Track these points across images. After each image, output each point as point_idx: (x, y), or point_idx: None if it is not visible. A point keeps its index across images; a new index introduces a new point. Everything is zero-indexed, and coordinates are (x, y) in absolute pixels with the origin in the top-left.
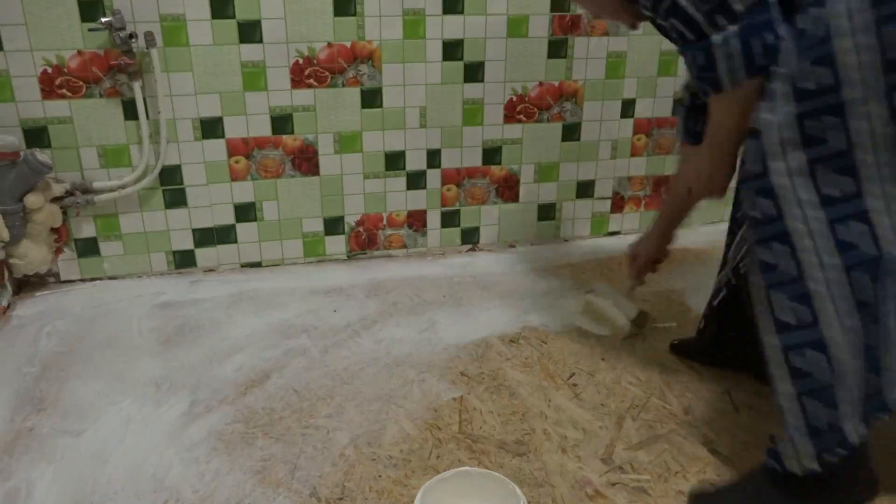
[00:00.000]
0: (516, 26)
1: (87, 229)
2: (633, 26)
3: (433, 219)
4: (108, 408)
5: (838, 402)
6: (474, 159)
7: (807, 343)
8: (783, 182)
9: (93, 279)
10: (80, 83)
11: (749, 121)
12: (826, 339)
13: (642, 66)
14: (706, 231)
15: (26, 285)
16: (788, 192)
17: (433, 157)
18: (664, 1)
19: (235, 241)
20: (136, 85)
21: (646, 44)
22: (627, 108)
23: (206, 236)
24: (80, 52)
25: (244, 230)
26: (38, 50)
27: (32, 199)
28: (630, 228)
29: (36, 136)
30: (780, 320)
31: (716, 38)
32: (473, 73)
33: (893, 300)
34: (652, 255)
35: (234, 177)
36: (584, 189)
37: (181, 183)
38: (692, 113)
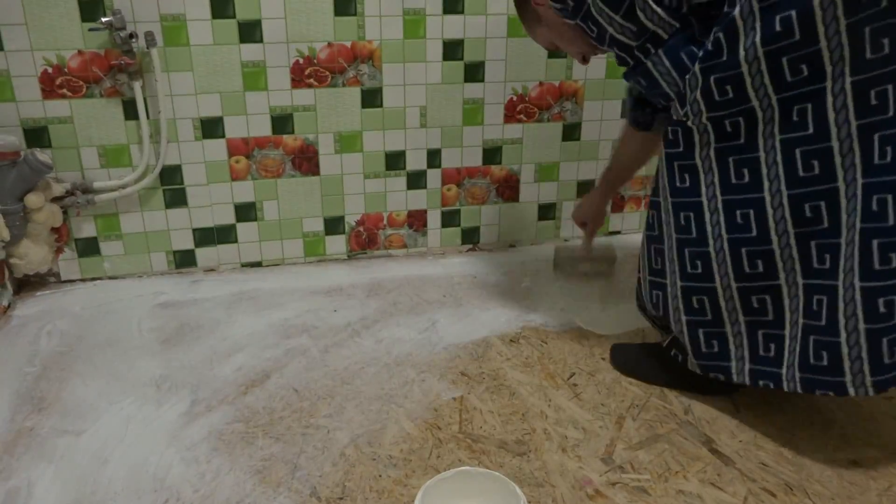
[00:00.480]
0: (517, 26)
1: (87, 229)
2: (584, 60)
3: (433, 218)
4: (108, 407)
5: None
6: (474, 159)
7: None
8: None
9: (93, 279)
10: (81, 83)
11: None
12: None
13: None
14: None
15: (27, 285)
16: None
17: (433, 157)
18: (606, 34)
19: (236, 241)
20: (137, 85)
21: None
22: None
23: (207, 236)
24: (80, 52)
25: (244, 230)
26: (39, 50)
27: (33, 199)
28: (630, 228)
29: (36, 135)
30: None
31: (648, 62)
32: (474, 72)
33: None
34: (599, 221)
35: (235, 176)
36: (585, 189)
37: (181, 183)
38: (639, 104)
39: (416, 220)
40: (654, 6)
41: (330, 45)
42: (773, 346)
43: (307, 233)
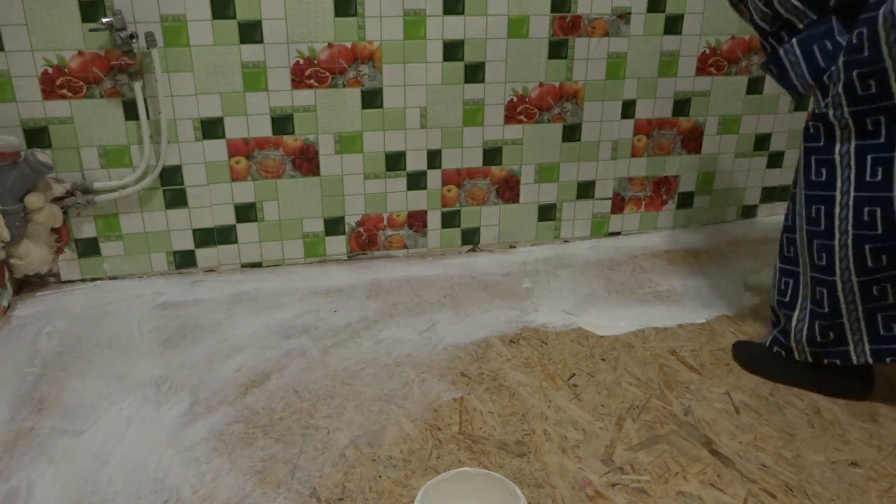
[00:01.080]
0: (517, 27)
1: (87, 229)
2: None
3: (433, 219)
4: (108, 408)
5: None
6: (475, 160)
7: None
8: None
9: (93, 279)
10: (81, 83)
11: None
12: None
13: (642, 67)
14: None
15: (27, 285)
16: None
17: (433, 158)
18: (754, 16)
19: (236, 242)
20: (137, 85)
21: (646, 45)
22: (628, 108)
23: (207, 236)
24: (80, 53)
25: (245, 230)
26: (39, 50)
27: (33, 200)
28: (630, 229)
29: (37, 136)
30: None
31: (780, 49)
32: (474, 73)
33: None
34: None
35: (235, 177)
36: (585, 190)
37: (182, 183)
38: None
39: (417, 221)
40: None
41: (330, 45)
42: (894, 325)
43: (307, 233)
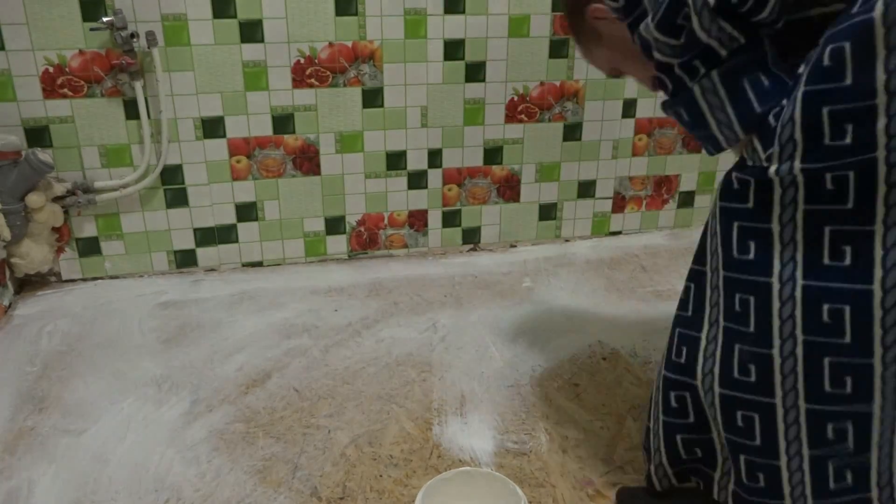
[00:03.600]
0: (517, 26)
1: (88, 229)
2: (656, 86)
3: (434, 218)
4: (109, 407)
5: None
6: (475, 159)
7: None
8: None
9: (94, 278)
10: (82, 83)
11: None
12: None
13: None
14: None
15: (28, 284)
16: None
17: (434, 157)
18: (651, 46)
19: (237, 241)
20: (138, 84)
21: None
22: (629, 107)
23: (208, 236)
24: (81, 52)
25: (245, 230)
26: (40, 49)
27: (34, 199)
28: (631, 228)
29: (37, 135)
30: None
31: (695, 86)
32: (475, 72)
33: None
34: None
35: (236, 176)
36: (586, 189)
37: (182, 182)
38: None
39: (417, 220)
40: (716, 16)
41: (331, 44)
42: (847, 474)
43: (308, 233)
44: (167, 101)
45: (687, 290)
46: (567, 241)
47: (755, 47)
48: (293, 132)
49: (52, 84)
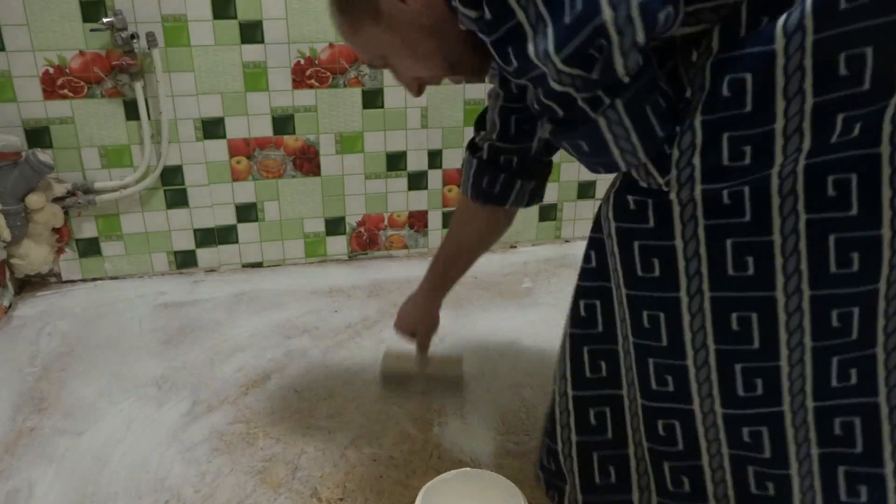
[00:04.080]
0: None
1: (88, 229)
2: (420, 90)
3: (434, 219)
4: (109, 408)
5: None
6: None
7: None
8: None
9: (94, 279)
10: (82, 83)
11: None
12: None
13: None
14: None
15: (28, 285)
16: None
17: (434, 158)
18: (531, 72)
19: (237, 242)
20: (138, 85)
21: None
22: None
23: (208, 236)
24: (81, 53)
25: (245, 230)
26: (40, 50)
27: (34, 199)
28: None
29: (37, 136)
30: None
31: (600, 118)
32: None
33: None
34: (431, 328)
35: (236, 177)
36: (585, 189)
37: (182, 183)
38: (487, 169)
39: (417, 221)
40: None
41: (331, 45)
42: (768, 484)
43: (308, 233)
44: (167, 101)
45: (581, 307)
46: (567, 241)
47: (649, 66)
48: (293, 133)
49: (53, 85)
